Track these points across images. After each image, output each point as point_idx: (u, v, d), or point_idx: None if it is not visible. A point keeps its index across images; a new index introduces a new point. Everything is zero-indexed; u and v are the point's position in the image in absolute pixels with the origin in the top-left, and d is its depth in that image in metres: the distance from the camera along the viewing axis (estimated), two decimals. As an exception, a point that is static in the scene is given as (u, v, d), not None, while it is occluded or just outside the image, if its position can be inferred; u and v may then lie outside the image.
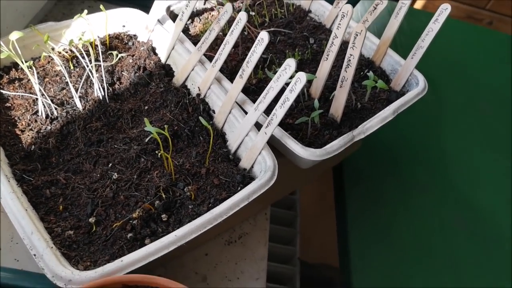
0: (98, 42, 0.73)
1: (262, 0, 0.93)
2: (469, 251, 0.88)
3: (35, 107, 0.67)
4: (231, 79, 0.68)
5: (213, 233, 0.74)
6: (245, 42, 0.84)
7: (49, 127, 0.65)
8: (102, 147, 0.64)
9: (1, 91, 0.68)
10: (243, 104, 0.68)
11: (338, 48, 0.70)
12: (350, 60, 0.68)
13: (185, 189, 0.59)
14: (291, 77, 0.57)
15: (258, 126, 0.63)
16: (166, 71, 0.76)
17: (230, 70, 0.77)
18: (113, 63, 0.74)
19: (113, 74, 0.73)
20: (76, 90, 0.69)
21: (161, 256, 0.50)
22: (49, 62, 0.73)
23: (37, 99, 0.66)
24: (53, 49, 0.72)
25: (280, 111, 0.59)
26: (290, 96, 0.57)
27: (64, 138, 0.65)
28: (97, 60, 0.72)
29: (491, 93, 1.21)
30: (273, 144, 0.65)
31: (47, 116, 0.66)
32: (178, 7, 0.84)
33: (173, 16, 0.82)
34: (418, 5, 1.95)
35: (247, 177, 0.61)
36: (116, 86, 0.72)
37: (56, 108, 0.67)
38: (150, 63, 0.76)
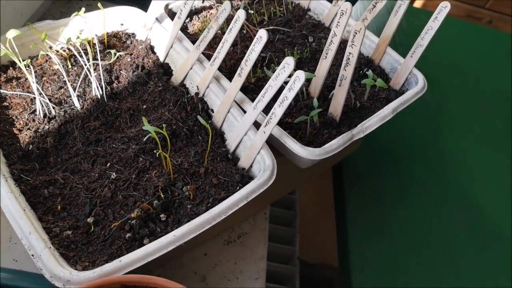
0: (96, 41, 0.72)
1: (261, -2, 0.92)
2: (469, 250, 0.88)
3: (33, 106, 0.66)
4: (230, 78, 0.68)
5: (212, 233, 0.74)
6: (243, 40, 0.83)
7: (47, 127, 0.64)
8: (100, 147, 0.64)
9: (-1, 90, 0.67)
10: (242, 103, 0.68)
11: (337, 47, 0.70)
12: (349, 59, 0.68)
13: (183, 188, 0.59)
14: (290, 76, 0.57)
15: (257, 125, 0.62)
16: (165, 69, 0.75)
17: (228, 68, 0.77)
18: (111, 61, 0.74)
19: (111, 73, 0.73)
20: (74, 89, 0.69)
21: (160, 256, 0.50)
22: (46, 60, 0.73)
23: (34, 98, 0.66)
24: (50, 47, 0.72)
25: (279, 110, 0.58)
26: (289, 95, 0.57)
27: (62, 138, 0.64)
28: (95, 58, 0.72)
29: (490, 92, 1.20)
30: (272, 143, 0.65)
31: (45, 115, 0.65)
32: (176, 5, 0.84)
33: (172, 15, 0.81)
34: (417, 3, 1.95)
35: (246, 177, 0.61)
36: (114, 85, 0.72)
37: (54, 107, 0.66)
38: (149, 61, 0.75)
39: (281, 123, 0.67)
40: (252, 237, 0.77)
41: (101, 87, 0.70)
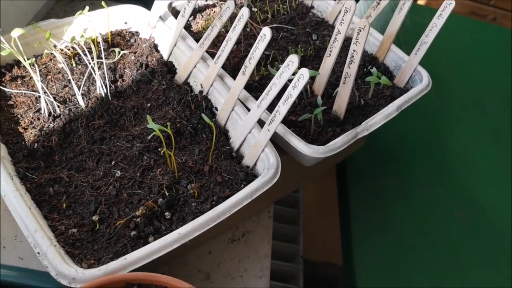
0: (100, 39, 0.72)
1: (264, -4, 0.92)
2: (472, 249, 0.88)
3: (37, 104, 0.67)
4: (234, 76, 0.68)
5: (217, 231, 0.74)
6: (247, 38, 0.83)
7: (51, 125, 0.65)
8: (105, 145, 0.64)
9: (4, 88, 0.67)
10: (246, 101, 0.68)
11: (341, 44, 0.70)
12: (353, 56, 0.68)
13: (188, 186, 0.59)
14: (294, 74, 0.57)
15: (261, 123, 0.62)
16: (169, 68, 0.75)
17: (232, 67, 0.77)
18: (115, 60, 0.74)
19: (115, 71, 0.73)
20: (79, 87, 0.69)
21: (165, 254, 0.50)
22: (51, 59, 0.73)
23: (39, 96, 0.66)
24: (55, 46, 0.72)
25: (283, 108, 0.58)
26: (293, 93, 0.57)
27: (67, 136, 0.65)
28: (99, 57, 0.72)
29: (495, 90, 1.20)
30: (276, 141, 0.65)
31: (49, 114, 0.66)
32: (180, 3, 0.84)
33: (175, 13, 0.81)
34: (420, 1, 1.94)
35: (250, 175, 0.61)
36: (119, 83, 0.72)
37: (58, 106, 0.67)
38: (152, 60, 0.75)
39: (285, 121, 0.67)
40: (256, 235, 0.77)
41: (106, 86, 0.70)
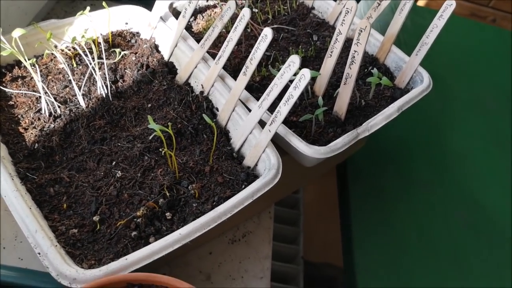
0: (101, 40, 0.72)
1: (265, -3, 0.92)
2: (473, 250, 0.88)
3: (38, 105, 0.67)
4: (235, 76, 0.68)
5: (217, 231, 0.74)
6: (248, 39, 0.83)
7: (52, 125, 0.64)
8: (105, 145, 0.64)
9: (4, 89, 0.67)
10: (247, 101, 0.68)
11: (342, 45, 0.70)
12: (354, 57, 0.68)
13: (189, 187, 0.59)
14: (295, 74, 0.57)
15: (261, 123, 0.62)
16: (169, 68, 0.75)
17: (233, 67, 0.77)
18: (116, 60, 0.74)
19: (116, 71, 0.73)
20: (79, 88, 0.69)
21: (166, 255, 0.50)
22: (51, 59, 0.73)
23: (40, 97, 0.66)
24: (55, 46, 0.72)
25: (284, 109, 0.58)
26: (294, 93, 0.57)
27: (68, 136, 0.65)
28: (100, 57, 0.72)
29: (495, 90, 1.20)
30: (277, 142, 0.65)
31: (50, 114, 0.66)
32: (180, 4, 0.84)
33: (176, 13, 0.81)
34: (420, 2, 1.94)
35: (251, 175, 0.61)
36: (119, 84, 0.72)
37: (59, 106, 0.67)
38: (153, 60, 0.75)
39: (286, 122, 0.67)
40: (257, 236, 0.77)
41: (106, 86, 0.70)
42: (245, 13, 0.63)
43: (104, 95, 0.69)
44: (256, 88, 0.74)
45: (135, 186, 0.58)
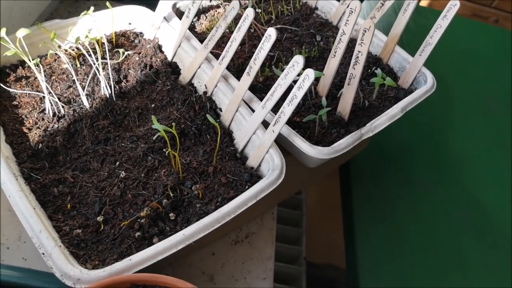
0: (104, 40, 0.72)
1: (268, -3, 0.92)
2: (476, 251, 0.88)
3: (42, 105, 0.67)
4: (238, 77, 0.68)
5: (220, 232, 0.74)
6: (251, 39, 0.83)
7: (56, 125, 0.64)
8: (109, 146, 0.64)
9: (8, 89, 0.67)
10: (250, 102, 0.68)
11: (346, 45, 0.70)
12: (358, 57, 0.68)
13: (192, 187, 0.59)
14: (299, 75, 0.57)
15: (265, 124, 0.62)
16: (173, 69, 0.75)
17: (236, 67, 0.77)
18: (119, 61, 0.74)
19: (119, 72, 0.73)
20: (83, 88, 0.69)
21: (169, 255, 0.50)
22: (55, 60, 0.73)
23: (44, 97, 0.66)
24: (59, 47, 0.72)
25: (288, 109, 0.58)
26: (298, 94, 0.57)
27: (71, 137, 0.65)
28: (103, 58, 0.72)
29: (498, 91, 1.20)
30: (280, 142, 0.65)
31: (54, 114, 0.66)
32: (184, 4, 0.84)
33: (179, 14, 0.81)
34: (423, 2, 1.94)
35: (255, 176, 0.61)
36: (123, 84, 0.72)
37: (63, 106, 0.67)
38: (157, 61, 0.75)
39: (289, 122, 0.67)
40: (260, 237, 0.77)
41: (110, 86, 0.70)
42: (249, 14, 0.63)
43: (107, 95, 0.69)
44: (259, 88, 0.74)
45: (139, 187, 0.58)
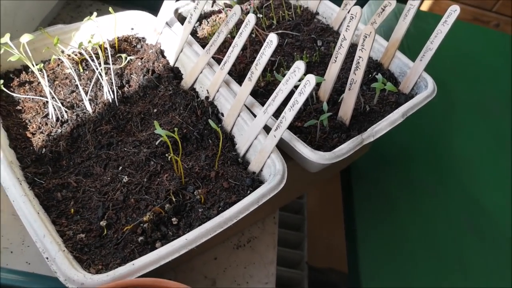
0: (107, 45, 0.73)
1: (269, 2, 0.93)
2: (478, 254, 0.88)
3: (45, 110, 0.67)
4: (240, 82, 0.68)
5: (222, 237, 0.74)
6: (253, 44, 0.84)
7: (59, 130, 0.65)
8: (112, 150, 0.64)
9: (12, 94, 0.68)
10: (252, 107, 0.68)
11: (347, 51, 0.70)
12: (359, 63, 0.68)
13: (195, 192, 0.59)
14: (300, 80, 0.57)
15: (266, 129, 0.63)
16: (175, 74, 0.76)
17: (238, 72, 0.77)
18: (122, 66, 0.74)
19: (122, 77, 0.74)
20: (86, 93, 0.70)
21: (172, 260, 0.50)
22: (58, 64, 0.74)
23: (47, 102, 0.67)
24: (62, 52, 0.73)
25: (289, 114, 0.59)
26: (299, 99, 0.57)
27: (75, 141, 0.65)
28: (106, 63, 0.72)
29: (499, 95, 1.20)
30: (282, 147, 0.65)
31: (57, 119, 0.66)
32: (186, 9, 0.85)
33: (181, 19, 0.82)
34: (423, 7, 1.95)
35: (257, 181, 0.61)
36: (125, 89, 0.73)
37: (66, 111, 0.67)
38: (159, 66, 0.76)
39: (290, 127, 0.67)
40: (262, 241, 0.77)
41: (113, 91, 0.70)
42: (251, 19, 0.64)
43: (110, 100, 0.70)
44: (261, 93, 0.75)
45: (142, 191, 0.59)
